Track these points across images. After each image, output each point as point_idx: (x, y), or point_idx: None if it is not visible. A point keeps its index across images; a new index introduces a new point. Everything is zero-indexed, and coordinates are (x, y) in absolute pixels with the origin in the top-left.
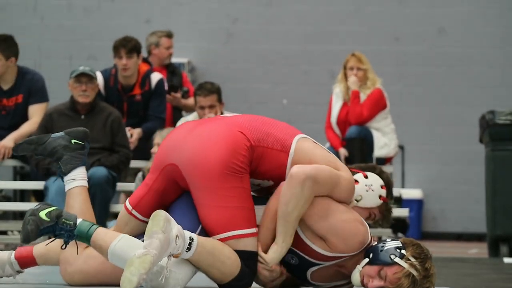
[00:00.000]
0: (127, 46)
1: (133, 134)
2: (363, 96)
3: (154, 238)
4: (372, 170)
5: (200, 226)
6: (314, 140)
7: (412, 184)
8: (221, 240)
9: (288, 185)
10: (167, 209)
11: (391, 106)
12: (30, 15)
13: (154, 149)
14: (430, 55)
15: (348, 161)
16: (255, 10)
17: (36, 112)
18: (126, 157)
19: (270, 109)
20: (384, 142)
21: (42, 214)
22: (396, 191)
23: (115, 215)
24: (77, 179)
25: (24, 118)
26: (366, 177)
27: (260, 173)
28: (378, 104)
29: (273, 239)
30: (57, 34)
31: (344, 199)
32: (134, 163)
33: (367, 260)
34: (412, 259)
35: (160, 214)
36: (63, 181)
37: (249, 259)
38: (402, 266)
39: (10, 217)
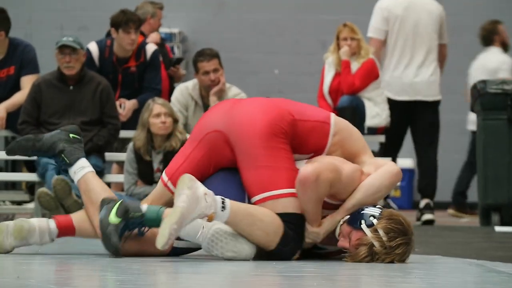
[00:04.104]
0: (136, 21)
1: (126, 105)
2: (356, 65)
3: (181, 194)
4: None
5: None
6: None
7: (403, 153)
8: (259, 201)
9: (383, 178)
10: (203, 183)
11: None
12: None
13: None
14: None
15: None
16: None
17: (28, 83)
18: (115, 129)
19: (262, 79)
20: (376, 112)
21: (113, 218)
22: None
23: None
24: (86, 166)
25: (16, 89)
26: None
27: (307, 147)
28: (370, 74)
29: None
30: (48, 4)
31: None
32: (125, 133)
33: (347, 217)
34: (380, 232)
35: (185, 176)
36: (66, 173)
37: (290, 221)
38: (366, 234)
39: (2, 187)
